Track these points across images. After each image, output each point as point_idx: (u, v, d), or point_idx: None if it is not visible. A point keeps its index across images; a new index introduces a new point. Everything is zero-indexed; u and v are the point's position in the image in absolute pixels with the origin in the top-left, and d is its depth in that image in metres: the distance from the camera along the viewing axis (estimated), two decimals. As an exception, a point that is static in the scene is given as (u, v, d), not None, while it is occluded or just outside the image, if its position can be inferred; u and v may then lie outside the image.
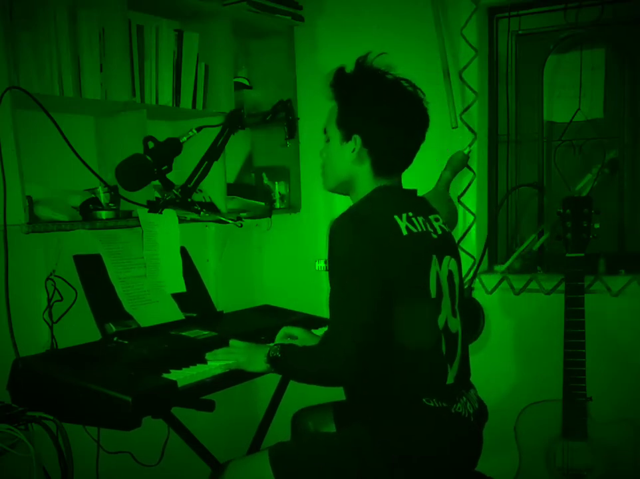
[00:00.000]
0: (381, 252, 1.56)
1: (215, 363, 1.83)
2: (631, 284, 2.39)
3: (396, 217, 1.62)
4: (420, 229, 1.65)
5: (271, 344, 1.77)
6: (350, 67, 1.74)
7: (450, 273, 1.70)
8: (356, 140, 1.68)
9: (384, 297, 1.56)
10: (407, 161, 1.75)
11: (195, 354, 1.88)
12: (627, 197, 2.57)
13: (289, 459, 1.65)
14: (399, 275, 1.58)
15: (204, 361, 1.85)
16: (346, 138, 1.70)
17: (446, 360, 1.66)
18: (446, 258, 1.70)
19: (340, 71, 1.73)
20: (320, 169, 1.84)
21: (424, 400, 1.60)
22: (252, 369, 1.78)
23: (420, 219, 1.68)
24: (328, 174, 1.80)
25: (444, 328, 1.66)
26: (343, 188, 1.78)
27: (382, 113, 1.67)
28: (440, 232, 1.72)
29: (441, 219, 1.77)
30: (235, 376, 1.83)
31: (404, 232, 1.61)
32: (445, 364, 1.65)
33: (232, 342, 1.88)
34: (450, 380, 1.65)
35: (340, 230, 1.60)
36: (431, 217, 1.74)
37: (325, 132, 1.78)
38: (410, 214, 1.66)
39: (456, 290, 1.73)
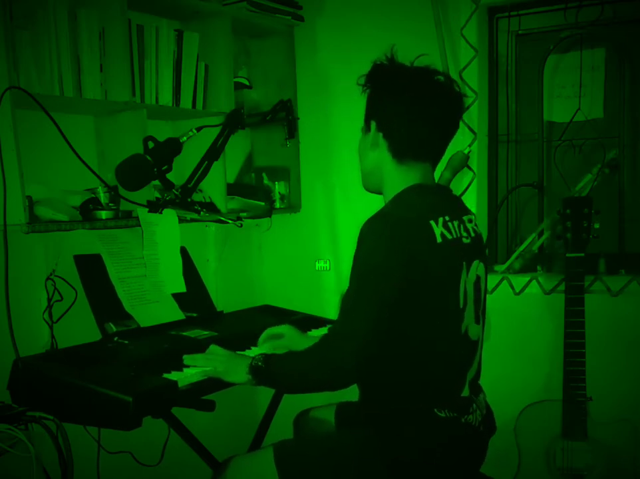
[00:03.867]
0: (410, 260, 1.50)
1: (192, 370, 1.76)
2: (631, 284, 2.39)
3: (432, 222, 1.55)
4: (454, 235, 1.59)
5: (254, 354, 1.68)
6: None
7: (478, 278, 1.66)
8: (372, 125, 1.67)
9: (404, 306, 1.52)
10: (430, 147, 1.68)
11: (195, 354, 1.87)
12: (627, 198, 2.57)
13: (293, 457, 1.64)
14: (427, 285, 1.53)
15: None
16: (367, 127, 1.69)
17: (465, 371, 1.63)
18: (475, 263, 1.65)
19: (371, 69, 1.70)
20: None
21: (435, 409, 1.58)
22: (231, 380, 1.71)
23: (456, 223, 1.62)
24: (361, 171, 1.76)
25: (464, 335, 1.62)
26: (373, 182, 1.72)
27: (389, 94, 1.64)
28: (472, 235, 1.67)
29: (474, 220, 1.73)
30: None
31: (439, 239, 1.54)
32: (464, 375, 1.63)
33: (212, 348, 1.80)
34: (465, 392, 1.63)
35: (372, 233, 1.53)
36: (465, 218, 1.68)
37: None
38: (447, 218, 1.60)
39: (481, 295, 1.68)
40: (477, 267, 1.66)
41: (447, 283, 1.58)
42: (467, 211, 1.73)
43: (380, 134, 1.66)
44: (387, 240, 1.51)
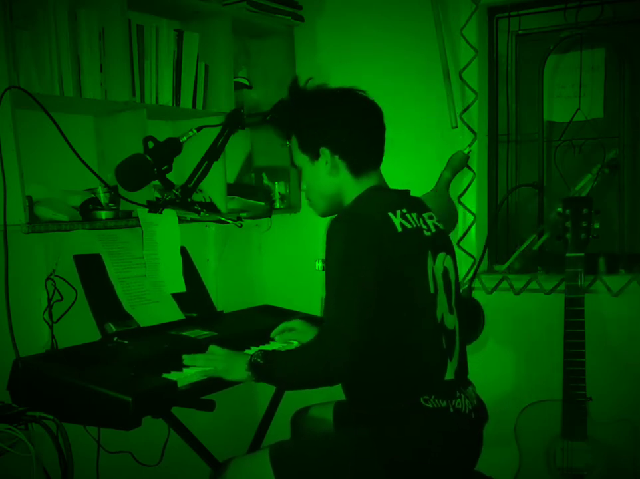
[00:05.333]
0: (377, 250, 1.56)
1: (191, 370, 1.77)
2: (631, 284, 2.39)
3: (390, 214, 1.63)
4: (414, 225, 1.67)
5: (252, 352, 1.71)
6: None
7: (445, 270, 1.72)
8: (324, 152, 1.72)
9: (380, 295, 1.57)
10: (378, 153, 1.78)
11: (195, 354, 1.87)
12: (627, 197, 2.57)
13: (289, 458, 1.65)
14: (396, 273, 1.59)
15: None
16: (315, 156, 1.74)
17: (446, 355, 1.67)
18: (441, 255, 1.71)
19: (278, 108, 1.84)
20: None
21: (422, 400, 1.60)
22: (231, 378, 1.73)
23: (414, 214, 1.69)
24: (315, 199, 1.82)
25: (440, 324, 1.67)
26: (334, 204, 1.79)
27: (333, 117, 1.72)
28: (433, 229, 1.73)
29: (435, 217, 1.79)
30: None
31: (399, 229, 1.62)
32: (445, 359, 1.66)
33: (211, 348, 1.82)
34: (449, 375, 1.66)
35: (336, 231, 1.61)
36: (425, 214, 1.75)
37: (295, 165, 1.82)
38: (404, 210, 1.67)
39: (452, 287, 1.73)
40: (444, 259, 1.72)
41: (414, 270, 1.63)
42: (427, 209, 1.80)
43: (337, 156, 1.72)
44: (353, 236, 1.58)
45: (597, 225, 2.20)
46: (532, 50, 2.67)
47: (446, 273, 1.72)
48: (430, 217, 1.76)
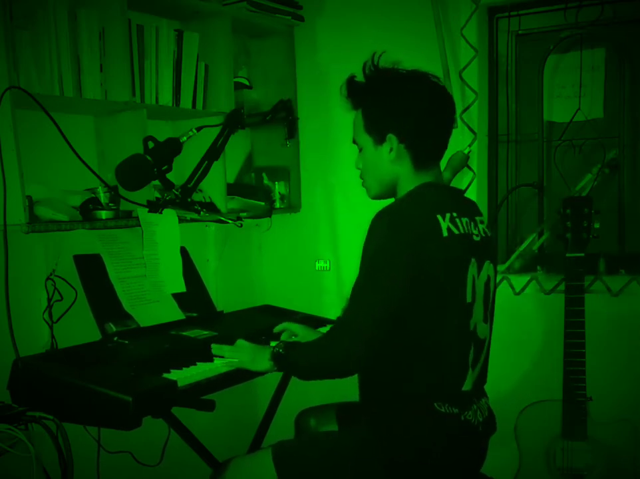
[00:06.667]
0: (413, 251, 1.52)
1: (218, 362, 1.84)
2: (630, 284, 2.39)
3: (438, 216, 1.57)
4: (462, 231, 1.60)
5: (275, 343, 1.74)
6: (352, 68, 1.72)
7: (488, 278, 1.68)
8: (391, 139, 1.64)
9: (412, 296, 1.53)
10: (442, 147, 1.70)
11: (195, 353, 1.88)
12: (627, 197, 2.57)
13: (291, 457, 1.65)
14: (432, 276, 1.54)
15: (204, 360, 1.85)
16: (380, 140, 1.66)
17: (469, 366, 1.64)
18: (486, 263, 1.67)
19: (352, 80, 1.70)
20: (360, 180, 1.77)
21: (435, 404, 1.58)
22: (255, 368, 1.77)
23: (465, 220, 1.63)
24: (370, 182, 1.74)
25: (472, 333, 1.63)
26: (388, 190, 1.72)
27: (408, 105, 1.63)
28: (483, 235, 1.68)
29: (485, 222, 1.74)
30: (234, 377, 1.83)
31: (445, 233, 1.56)
32: (467, 369, 1.64)
33: (239, 342, 1.86)
34: (467, 386, 1.63)
35: (378, 226, 1.55)
36: (477, 218, 1.70)
37: (355, 142, 1.73)
38: (455, 214, 1.61)
39: (490, 295, 1.70)
40: (488, 267, 1.68)
41: (453, 277, 1.59)
42: (479, 213, 1.75)
43: (402, 146, 1.64)
44: (394, 234, 1.53)
45: (597, 225, 2.20)
46: (532, 50, 2.67)
47: (488, 281, 1.68)
48: (481, 222, 1.71)
